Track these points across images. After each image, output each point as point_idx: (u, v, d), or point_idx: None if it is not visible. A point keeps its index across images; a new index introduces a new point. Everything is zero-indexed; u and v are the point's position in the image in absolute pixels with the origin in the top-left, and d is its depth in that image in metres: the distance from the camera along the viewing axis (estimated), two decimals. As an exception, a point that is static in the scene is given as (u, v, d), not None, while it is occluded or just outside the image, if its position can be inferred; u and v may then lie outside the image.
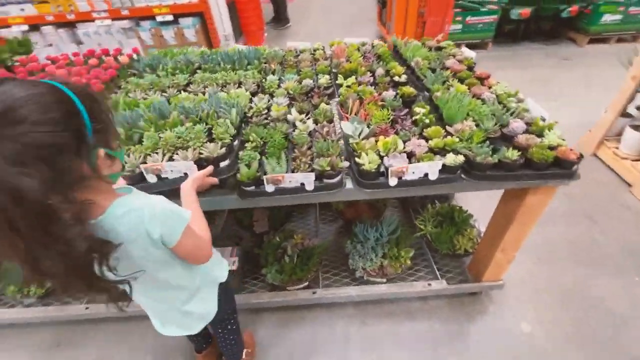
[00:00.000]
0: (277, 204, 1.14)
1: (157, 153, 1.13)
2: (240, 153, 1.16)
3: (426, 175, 1.11)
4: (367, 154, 1.12)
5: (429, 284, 1.66)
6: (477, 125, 1.26)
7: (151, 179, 1.08)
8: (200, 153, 1.09)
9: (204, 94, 1.58)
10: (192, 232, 0.80)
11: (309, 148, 1.20)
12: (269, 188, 1.08)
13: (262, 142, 1.22)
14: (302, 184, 1.09)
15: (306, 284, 1.68)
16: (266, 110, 1.43)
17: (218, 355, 1.49)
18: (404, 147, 1.18)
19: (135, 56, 2.03)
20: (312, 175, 1.07)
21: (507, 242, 1.43)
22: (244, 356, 1.42)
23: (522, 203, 1.27)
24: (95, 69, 1.80)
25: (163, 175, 1.08)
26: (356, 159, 1.13)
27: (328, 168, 1.08)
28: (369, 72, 1.72)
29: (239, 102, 1.39)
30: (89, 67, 1.85)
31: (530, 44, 4.64)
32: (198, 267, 0.94)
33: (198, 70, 1.82)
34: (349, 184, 1.15)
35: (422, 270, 1.78)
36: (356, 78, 1.67)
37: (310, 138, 1.25)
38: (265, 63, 1.89)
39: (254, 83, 1.63)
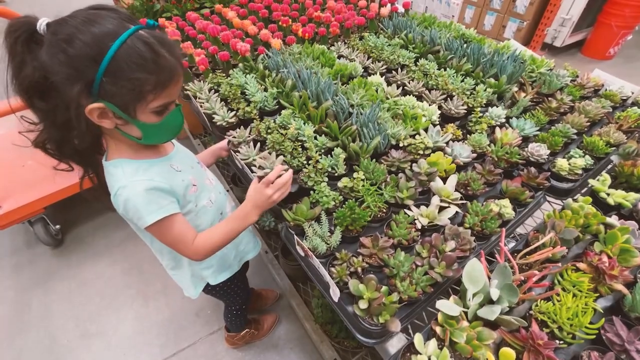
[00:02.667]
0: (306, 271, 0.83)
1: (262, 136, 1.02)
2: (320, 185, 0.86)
3: None
4: None
5: None
6: None
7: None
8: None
9: (402, 87, 1.25)
10: (162, 231, 0.70)
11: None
12: (299, 249, 0.78)
13: (359, 195, 0.85)
14: (329, 284, 0.71)
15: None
16: (427, 151, 0.97)
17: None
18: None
19: (401, 11, 1.81)
20: (337, 292, 0.67)
21: None
22: (242, 333, 1.39)
23: None
24: (353, 12, 1.74)
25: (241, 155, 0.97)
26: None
27: (364, 306, 0.63)
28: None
29: (400, 131, 1.00)
30: (353, 5, 1.82)
31: None
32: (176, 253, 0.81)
33: (430, 55, 1.41)
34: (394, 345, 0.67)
35: None
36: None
37: (422, 247, 0.76)
38: (518, 86, 1.23)
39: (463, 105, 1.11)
